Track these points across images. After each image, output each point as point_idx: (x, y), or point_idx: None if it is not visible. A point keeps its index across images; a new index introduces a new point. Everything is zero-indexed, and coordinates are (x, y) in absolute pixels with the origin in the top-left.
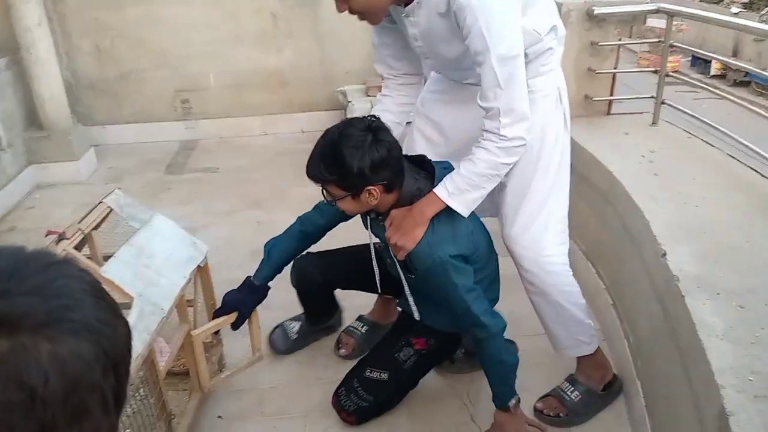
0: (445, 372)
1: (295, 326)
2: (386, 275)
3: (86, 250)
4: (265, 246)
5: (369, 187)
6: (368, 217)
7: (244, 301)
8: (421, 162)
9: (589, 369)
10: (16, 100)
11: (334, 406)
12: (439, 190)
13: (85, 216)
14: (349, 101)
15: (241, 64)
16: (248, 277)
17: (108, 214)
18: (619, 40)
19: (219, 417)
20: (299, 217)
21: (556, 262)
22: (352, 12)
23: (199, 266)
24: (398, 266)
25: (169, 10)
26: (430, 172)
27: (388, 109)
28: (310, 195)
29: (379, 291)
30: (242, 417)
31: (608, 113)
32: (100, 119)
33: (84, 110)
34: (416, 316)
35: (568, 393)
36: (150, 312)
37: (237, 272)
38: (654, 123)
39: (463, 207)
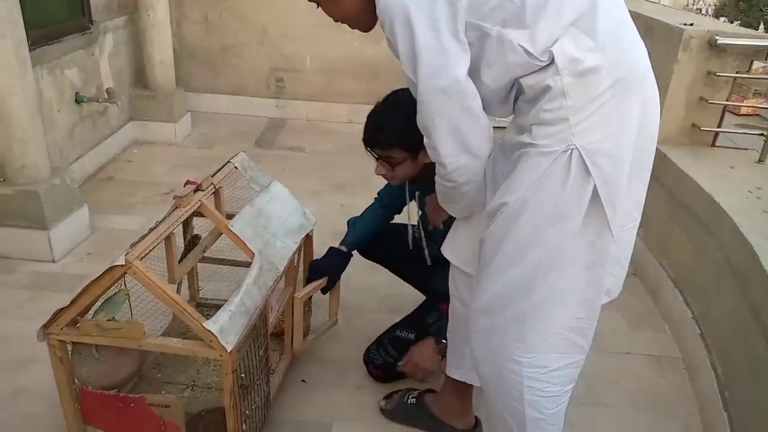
0: None
1: None
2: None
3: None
4: (348, 221)
5: None
6: (414, 192)
7: (333, 266)
8: None
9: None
10: (128, 59)
11: (364, 361)
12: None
13: (216, 172)
14: None
15: (338, 51)
16: (331, 247)
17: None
18: (737, 72)
19: (303, 381)
20: (378, 192)
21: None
22: (337, 21)
23: (307, 234)
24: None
25: None
26: None
27: None
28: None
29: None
30: (324, 385)
31: (713, 145)
32: (196, 86)
33: (183, 76)
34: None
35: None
36: (267, 269)
37: (320, 250)
38: (761, 160)
39: (453, 213)
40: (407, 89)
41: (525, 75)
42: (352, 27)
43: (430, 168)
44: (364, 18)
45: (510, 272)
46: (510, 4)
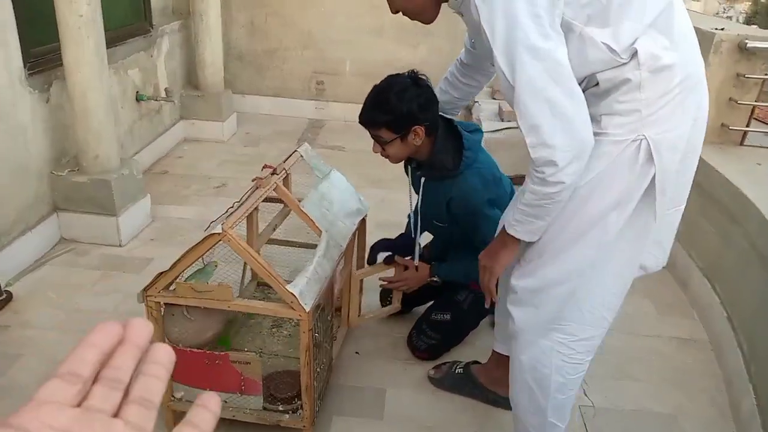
0: None
1: None
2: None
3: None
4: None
5: (415, 127)
6: (410, 167)
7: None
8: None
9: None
10: (180, 60)
11: (408, 347)
12: (506, 220)
13: (287, 159)
14: (476, 101)
15: (377, 56)
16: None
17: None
18: (765, 74)
19: (356, 353)
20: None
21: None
22: (396, 12)
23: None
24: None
25: None
26: (456, 133)
27: (451, 73)
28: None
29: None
30: (376, 357)
31: (741, 143)
32: (241, 88)
33: (229, 78)
34: (415, 261)
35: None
36: (333, 246)
37: (367, 239)
38: None
39: (527, 236)
40: (397, 76)
41: (603, 71)
42: (413, 18)
43: (434, 148)
44: (430, 10)
45: (570, 253)
46: (598, 2)
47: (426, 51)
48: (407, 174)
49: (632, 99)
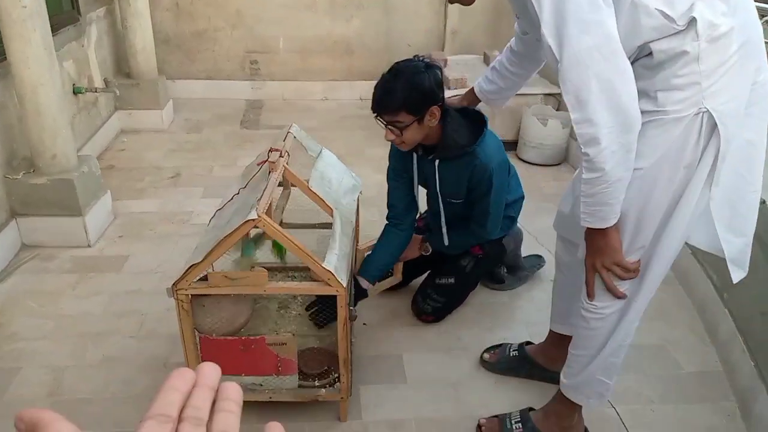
0: (500, 291)
1: None
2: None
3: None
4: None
5: (432, 108)
6: (415, 154)
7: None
8: (468, 113)
9: (557, 417)
10: (109, 48)
11: (413, 312)
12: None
13: (284, 140)
14: None
15: (310, 31)
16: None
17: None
18: None
19: (364, 324)
20: (387, 216)
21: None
22: None
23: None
24: (439, 196)
25: None
26: (477, 120)
27: (499, 62)
28: (385, 155)
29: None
30: (384, 326)
31: None
32: (171, 73)
33: (157, 64)
34: (446, 241)
35: (512, 423)
36: (345, 222)
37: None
38: None
39: (602, 222)
40: (408, 61)
41: (656, 39)
42: (453, 2)
43: (443, 131)
44: None
45: (646, 233)
46: None
47: (360, 24)
48: (397, 164)
49: (691, 72)
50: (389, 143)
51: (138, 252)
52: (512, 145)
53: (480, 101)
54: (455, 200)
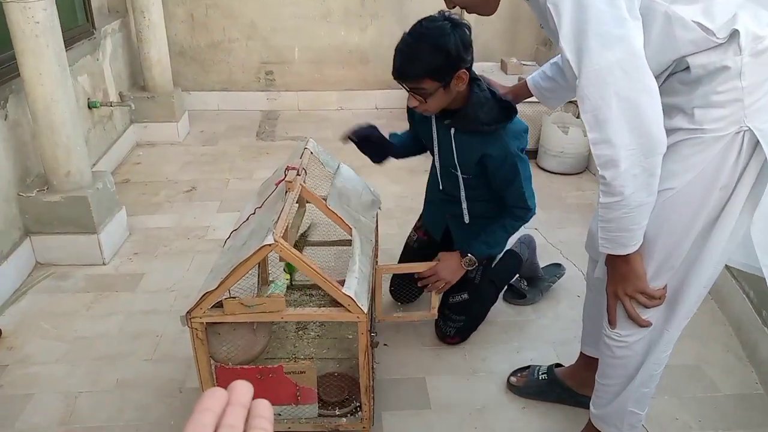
0: (523, 305)
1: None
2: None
3: None
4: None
5: (459, 72)
6: (449, 127)
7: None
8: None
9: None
10: (124, 61)
11: (438, 337)
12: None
13: (301, 157)
14: None
15: (325, 41)
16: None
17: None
18: None
19: (385, 345)
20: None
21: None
22: (454, 7)
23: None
24: (459, 168)
25: None
26: (507, 108)
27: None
28: (401, 164)
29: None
30: (404, 347)
31: None
32: (186, 85)
33: (173, 76)
34: (466, 219)
35: None
36: (365, 242)
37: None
38: None
39: (622, 249)
40: (431, 20)
41: (694, 53)
42: (472, 12)
43: (468, 100)
44: (492, 0)
45: (676, 256)
46: None
47: (375, 33)
48: (412, 120)
49: (732, 88)
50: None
51: (153, 270)
52: (532, 154)
53: (531, 96)
54: (463, 174)
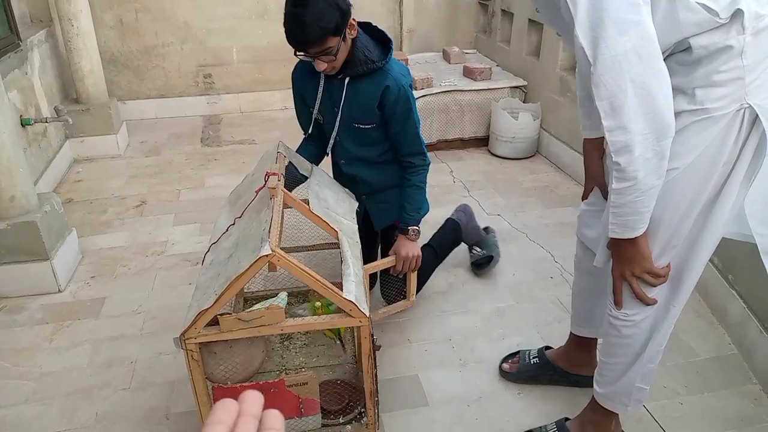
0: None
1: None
2: None
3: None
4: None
5: (351, 20)
6: (344, 79)
7: None
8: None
9: (594, 426)
10: (54, 74)
11: (387, 301)
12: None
13: (276, 162)
14: None
15: (264, 40)
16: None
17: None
18: None
19: (379, 346)
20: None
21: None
22: None
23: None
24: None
25: None
26: (382, 40)
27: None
28: None
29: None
30: (392, 345)
31: None
32: (121, 94)
33: (106, 85)
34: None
35: None
36: (353, 244)
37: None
38: None
39: (630, 232)
40: None
41: (696, 35)
42: None
43: (356, 44)
44: None
45: (680, 234)
46: None
47: None
48: (302, 85)
49: (734, 67)
50: None
51: (114, 292)
52: (483, 141)
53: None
54: (364, 125)
